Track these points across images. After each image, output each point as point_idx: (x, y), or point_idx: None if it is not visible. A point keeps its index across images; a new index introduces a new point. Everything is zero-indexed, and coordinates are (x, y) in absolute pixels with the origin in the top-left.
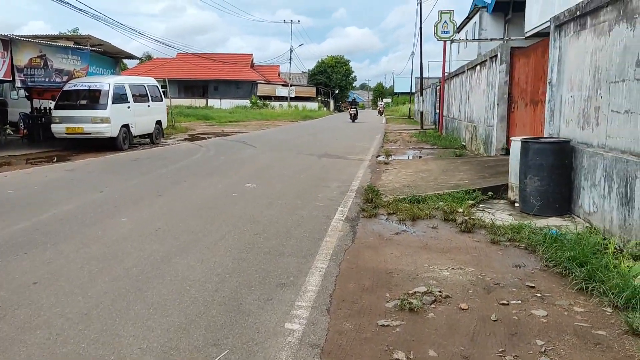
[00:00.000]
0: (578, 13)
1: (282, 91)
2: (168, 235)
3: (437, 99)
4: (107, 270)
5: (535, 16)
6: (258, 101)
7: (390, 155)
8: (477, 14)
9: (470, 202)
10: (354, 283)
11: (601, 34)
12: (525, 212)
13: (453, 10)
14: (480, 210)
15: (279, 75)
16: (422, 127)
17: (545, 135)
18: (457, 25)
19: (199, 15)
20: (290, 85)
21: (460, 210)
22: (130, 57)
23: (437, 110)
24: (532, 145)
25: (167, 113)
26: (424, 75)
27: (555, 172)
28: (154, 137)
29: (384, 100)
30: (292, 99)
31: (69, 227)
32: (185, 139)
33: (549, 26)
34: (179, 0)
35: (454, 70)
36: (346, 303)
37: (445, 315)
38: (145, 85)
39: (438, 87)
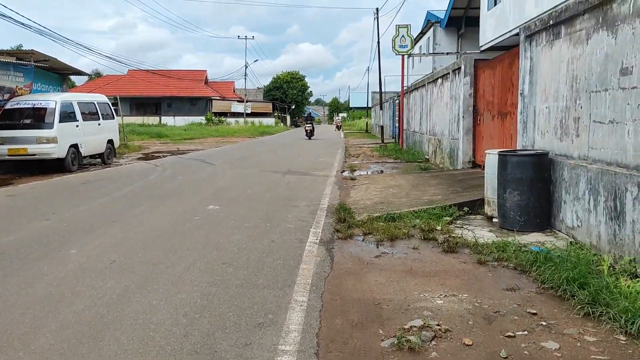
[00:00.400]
0: (551, 22)
1: (238, 107)
2: (125, 269)
3: (396, 113)
4: (53, 316)
5: (490, 30)
6: (213, 118)
7: (355, 170)
8: (431, 29)
9: (448, 218)
10: (341, 318)
11: (578, 43)
12: (505, 227)
13: (410, 25)
14: (458, 227)
15: (234, 91)
16: (382, 141)
17: (518, 148)
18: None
19: (150, 32)
20: (246, 101)
21: (439, 228)
22: (78, 73)
23: (397, 124)
24: (510, 158)
25: (119, 131)
26: (378, 90)
27: (536, 186)
28: (106, 157)
29: (341, 114)
30: (248, 115)
31: (8, 263)
32: (139, 158)
33: (504, 39)
34: (129, 17)
35: (413, 84)
36: (336, 344)
37: (450, 354)
38: (95, 103)
39: (397, 101)
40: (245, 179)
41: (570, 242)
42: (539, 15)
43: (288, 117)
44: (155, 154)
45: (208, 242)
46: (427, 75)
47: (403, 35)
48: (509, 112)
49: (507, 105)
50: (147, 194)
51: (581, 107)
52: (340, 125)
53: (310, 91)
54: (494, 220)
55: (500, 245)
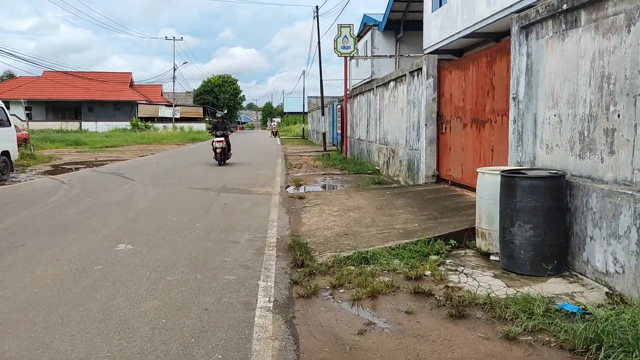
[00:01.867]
0: (565, 7)
1: (166, 112)
2: None
3: (337, 119)
4: None
5: (435, 32)
6: (139, 123)
7: (301, 184)
8: (369, 33)
9: (435, 257)
10: None
11: (611, 32)
12: (511, 270)
13: (353, 25)
14: (452, 270)
15: (161, 95)
16: (325, 150)
17: (511, 164)
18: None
19: (73, 33)
20: (175, 106)
21: (428, 272)
22: None
23: (339, 131)
24: (520, 182)
25: (24, 140)
26: (317, 95)
27: (553, 217)
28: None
29: (275, 119)
30: (177, 120)
31: None
32: (46, 172)
33: (452, 42)
34: (48, 17)
35: (357, 87)
36: None
37: None
38: None
39: (338, 106)
40: (171, 201)
41: (607, 293)
42: (492, 15)
43: None
44: (67, 166)
45: (108, 316)
46: (366, 79)
47: (346, 36)
48: (488, 119)
49: (485, 112)
50: (36, 226)
51: (618, 116)
52: (277, 132)
53: (243, 95)
54: (492, 258)
55: (521, 302)
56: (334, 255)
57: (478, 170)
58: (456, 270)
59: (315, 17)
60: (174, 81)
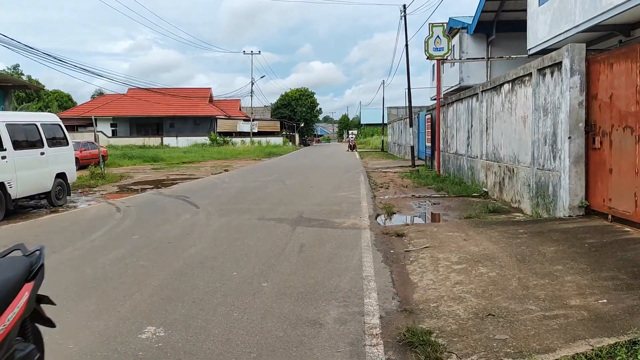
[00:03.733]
0: None
1: (244, 126)
2: None
3: (426, 130)
4: None
5: (543, 28)
6: (218, 138)
7: (394, 212)
8: (457, 36)
9: None
10: None
11: None
12: None
13: (446, 23)
14: None
15: (240, 109)
16: (413, 165)
17: None
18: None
19: (162, 54)
20: (253, 120)
21: None
22: (25, 86)
23: (428, 144)
24: None
25: (102, 157)
26: (396, 105)
27: None
28: (54, 198)
29: (351, 132)
30: (255, 134)
31: None
32: (108, 195)
33: (566, 38)
34: (140, 39)
35: (449, 94)
36: None
37: None
38: (38, 125)
39: (427, 116)
40: (235, 239)
41: None
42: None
43: (297, 136)
44: (134, 187)
45: None
46: (453, 87)
47: (438, 36)
48: None
49: None
50: (54, 283)
51: None
52: (354, 145)
53: (320, 108)
54: None
55: None
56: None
57: None
58: None
59: (403, 17)
60: (251, 95)
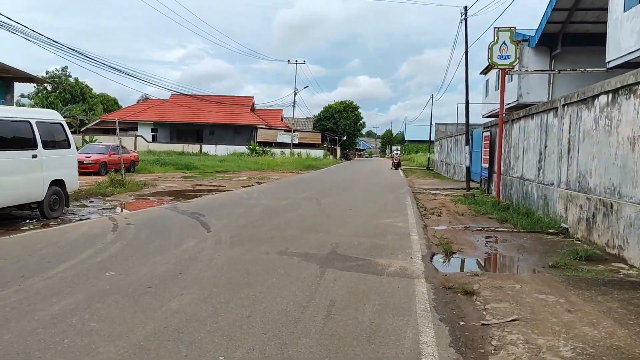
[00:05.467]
0: None
1: (285, 137)
2: None
3: (483, 149)
4: None
5: (630, 37)
6: (257, 147)
7: (454, 252)
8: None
9: None
10: None
11: None
12: None
13: (514, 28)
14: None
15: (281, 119)
16: (468, 188)
17: None
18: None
19: (213, 63)
20: (294, 131)
21: None
22: (30, 79)
23: (485, 165)
24: None
25: (132, 162)
26: (443, 121)
27: None
28: (47, 208)
29: (395, 147)
30: (295, 145)
31: None
32: (118, 206)
33: None
34: (191, 49)
35: (511, 110)
36: None
37: None
38: (32, 122)
39: (486, 134)
40: (240, 286)
41: None
42: None
43: (338, 149)
44: (150, 198)
45: None
46: (510, 104)
47: (504, 42)
48: None
49: None
50: None
51: None
52: (399, 162)
53: (364, 122)
54: None
55: None
56: None
57: None
58: None
59: (463, 20)
60: (293, 105)
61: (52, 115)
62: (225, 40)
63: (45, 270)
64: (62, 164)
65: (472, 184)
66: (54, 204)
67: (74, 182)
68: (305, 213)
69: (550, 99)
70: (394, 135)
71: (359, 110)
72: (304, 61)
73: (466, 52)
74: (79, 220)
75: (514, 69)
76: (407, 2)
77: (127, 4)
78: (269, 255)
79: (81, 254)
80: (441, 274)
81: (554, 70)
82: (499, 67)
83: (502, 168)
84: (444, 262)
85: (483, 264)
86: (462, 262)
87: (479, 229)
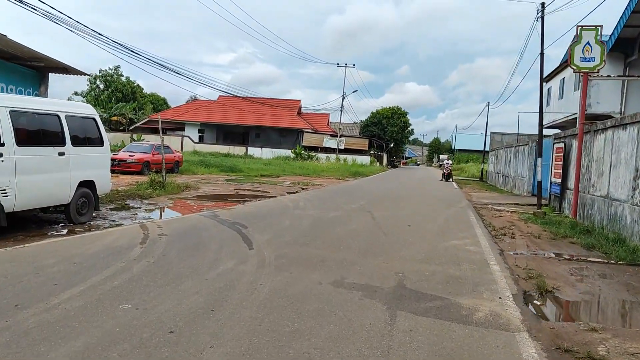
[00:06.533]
0: None
1: (331, 142)
2: None
3: (553, 163)
4: None
5: None
6: (303, 152)
7: (548, 289)
8: None
9: None
10: None
11: None
12: None
13: (601, 27)
14: None
15: (328, 124)
16: (539, 205)
17: None
18: (601, 56)
19: (262, 67)
20: (340, 136)
21: None
22: (67, 69)
23: (557, 179)
24: None
25: (176, 162)
26: (498, 131)
27: None
28: (74, 213)
29: (443, 156)
30: (341, 151)
31: None
32: (155, 210)
33: None
34: (241, 52)
35: (599, 120)
36: None
37: None
38: (61, 116)
39: (558, 146)
40: (286, 337)
41: None
42: None
43: (385, 156)
44: (190, 203)
45: None
46: (576, 114)
47: (588, 43)
48: None
49: None
50: None
51: None
52: (450, 172)
53: (412, 129)
54: None
55: None
56: None
57: None
58: None
59: (540, 18)
60: (341, 110)
61: (85, 109)
62: (276, 43)
63: (47, 298)
64: (93, 164)
65: (538, 198)
66: (82, 207)
67: (105, 183)
68: (359, 228)
69: (622, 110)
70: (442, 143)
71: (407, 116)
72: (354, 65)
73: (542, 53)
74: (108, 227)
75: (598, 75)
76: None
77: (179, 3)
78: (322, 287)
79: (97, 274)
80: (547, 326)
81: None
82: (581, 70)
83: (580, 185)
84: (541, 304)
85: (596, 311)
86: (567, 306)
87: (566, 257)
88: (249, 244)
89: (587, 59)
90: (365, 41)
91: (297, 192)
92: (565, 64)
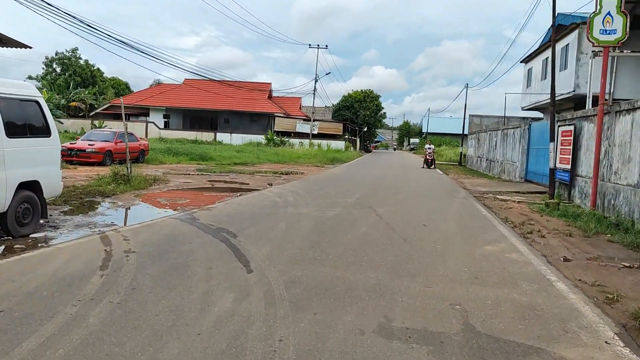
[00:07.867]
0: None
1: (304, 127)
2: None
3: (558, 147)
4: None
5: None
6: (275, 137)
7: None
8: (573, 33)
9: None
10: None
11: None
12: None
13: None
14: None
15: (300, 108)
16: (552, 195)
17: None
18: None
19: (227, 51)
20: (314, 120)
21: None
22: (3, 40)
23: (565, 165)
24: None
25: (141, 151)
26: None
27: None
28: (12, 223)
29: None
30: (314, 136)
31: None
32: (119, 211)
33: None
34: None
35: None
36: None
37: None
38: None
39: (565, 128)
40: None
41: None
42: None
43: (358, 141)
44: (161, 201)
45: None
46: (563, 95)
47: (609, 13)
48: None
49: None
50: None
51: None
52: (433, 159)
53: (384, 112)
54: None
55: None
56: None
57: None
58: None
59: None
60: (314, 93)
61: (23, 89)
62: (242, 25)
63: None
64: (38, 160)
65: (534, 187)
66: (24, 216)
67: (55, 184)
68: (371, 232)
69: (612, 90)
70: (412, 126)
71: (380, 99)
72: (326, 46)
73: (553, 25)
74: (58, 243)
75: (620, 50)
76: None
77: None
78: (367, 340)
79: (31, 335)
80: None
81: None
82: (601, 44)
83: (600, 173)
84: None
85: None
86: None
87: (627, 265)
88: (244, 263)
89: (608, 32)
90: (332, 25)
91: (280, 183)
92: (547, 44)
